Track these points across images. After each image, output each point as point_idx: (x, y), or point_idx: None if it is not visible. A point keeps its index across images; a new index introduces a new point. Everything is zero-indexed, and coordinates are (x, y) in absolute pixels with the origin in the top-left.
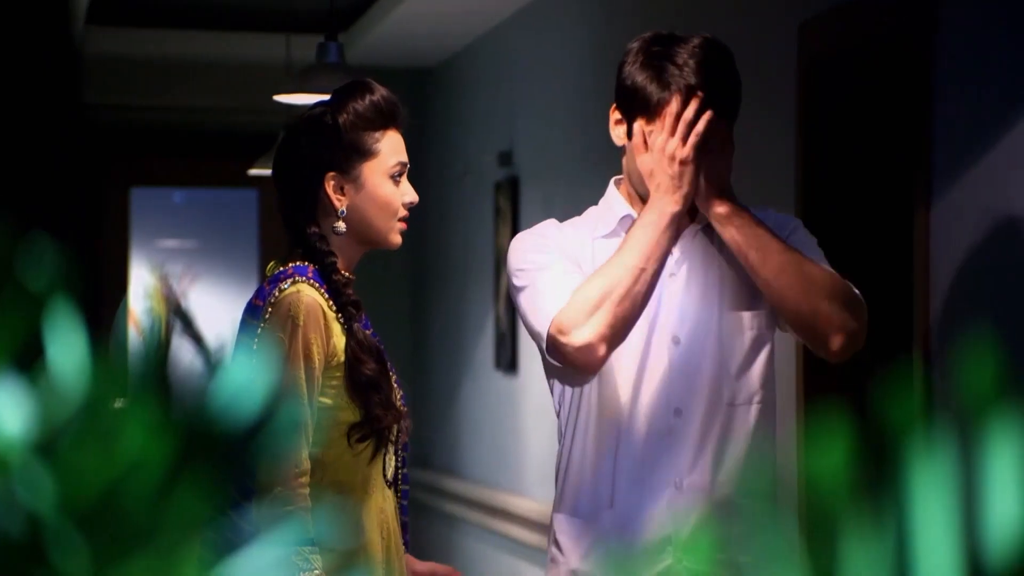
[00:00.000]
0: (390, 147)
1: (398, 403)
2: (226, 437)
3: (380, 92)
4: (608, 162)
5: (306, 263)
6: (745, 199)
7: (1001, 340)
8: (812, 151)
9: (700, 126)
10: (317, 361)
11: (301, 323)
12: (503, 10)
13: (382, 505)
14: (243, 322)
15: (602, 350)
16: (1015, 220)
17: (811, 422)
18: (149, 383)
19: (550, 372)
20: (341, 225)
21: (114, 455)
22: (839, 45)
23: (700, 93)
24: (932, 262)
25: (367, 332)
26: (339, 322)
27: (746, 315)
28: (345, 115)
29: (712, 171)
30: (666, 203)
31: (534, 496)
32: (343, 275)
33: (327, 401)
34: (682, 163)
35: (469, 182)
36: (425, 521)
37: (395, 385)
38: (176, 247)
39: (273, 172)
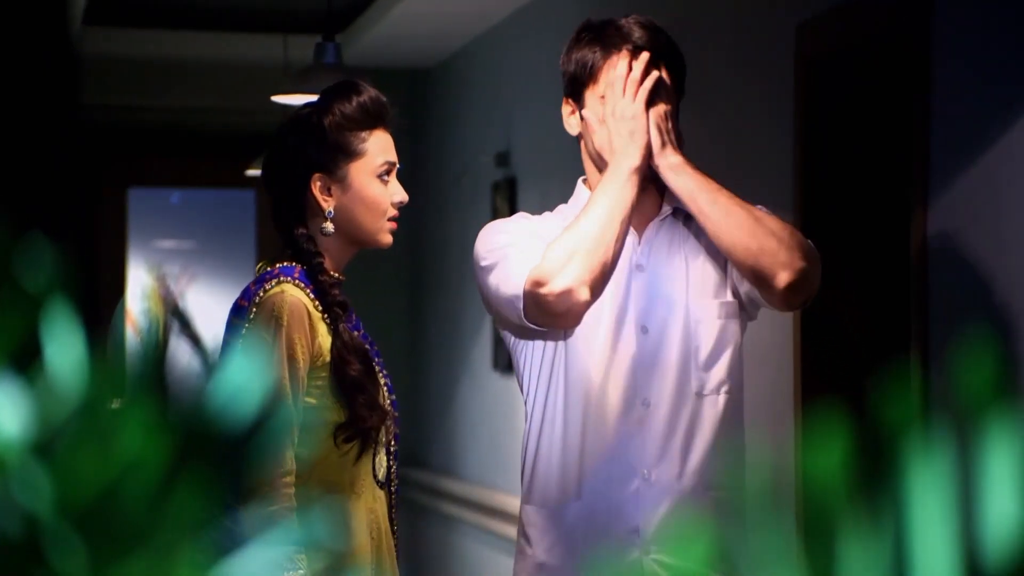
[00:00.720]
0: (377, 147)
1: (385, 404)
2: (223, 438)
3: (367, 92)
4: None
5: (293, 264)
6: (741, 197)
7: (998, 340)
8: (810, 151)
9: (648, 82)
10: (301, 361)
11: (285, 323)
12: (500, 11)
13: (372, 506)
14: (229, 322)
15: (584, 293)
16: (1012, 220)
17: (809, 422)
18: (146, 384)
19: (526, 334)
20: (329, 226)
21: (111, 456)
22: (837, 46)
23: (646, 52)
24: (930, 262)
25: (353, 333)
26: (325, 322)
27: (713, 303)
28: (331, 116)
29: (662, 124)
30: (623, 157)
31: None
32: (330, 276)
33: (312, 401)
34: (633, 118)
35: (467, 183)
36: (422, 522)
37: (383, 386)
38: (173, 248)
39: (262, 174)
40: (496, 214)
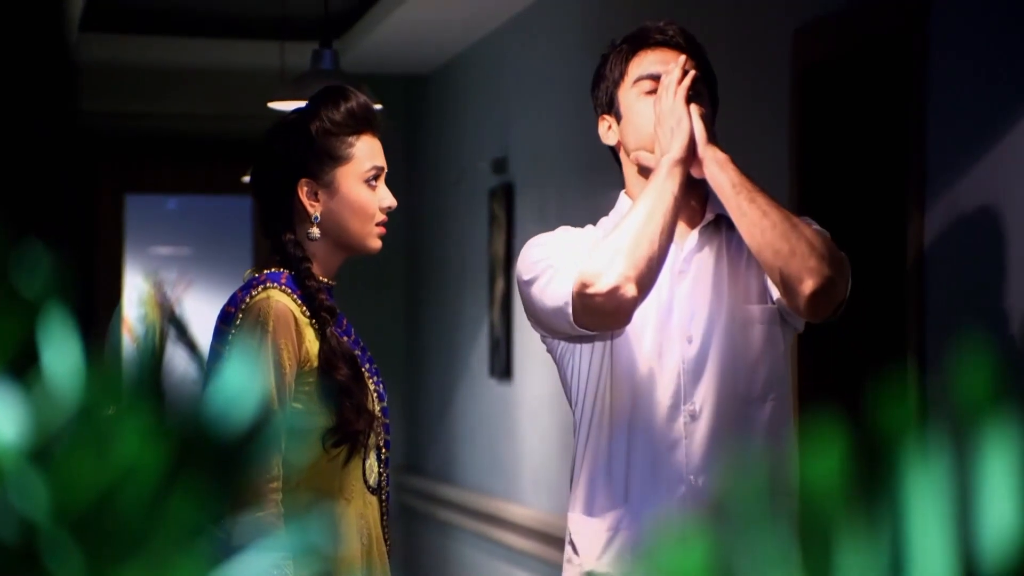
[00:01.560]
0: (365, 152)
1: (374, 409)
2: (218, 444)
3: (355, 97)
4: (602, 168)
5: (281, 269)
6: None
7: (995, 344)
8: (806, 157)
9: (687, 80)
10: (288, 367)
11: (271, 329)
12: (497, 17)
13: (363, 511)
14: (217, 329)
15: (631, 290)
16: (1008, 224)
17: (806, 427)
18: (143, 390)
19: (578, 339)
20: (315, 231)
21: (107, 462)
22: (833, 51)
23: (681, 54)
24: (926, 266)
25: (341, 338)
26: (313, 328)
27: (756, 309)
28: (318, 121)
29: (706, 120)
30: (666, 152)
31: (528, 503)
32: (318, 281)
33: (300, 406)
34: (674, 115)
35: (464, 189)
36: (420, 528)
37: (373, 391)
38: (170, 254)
39: (251, 180)
40: (493, 220)
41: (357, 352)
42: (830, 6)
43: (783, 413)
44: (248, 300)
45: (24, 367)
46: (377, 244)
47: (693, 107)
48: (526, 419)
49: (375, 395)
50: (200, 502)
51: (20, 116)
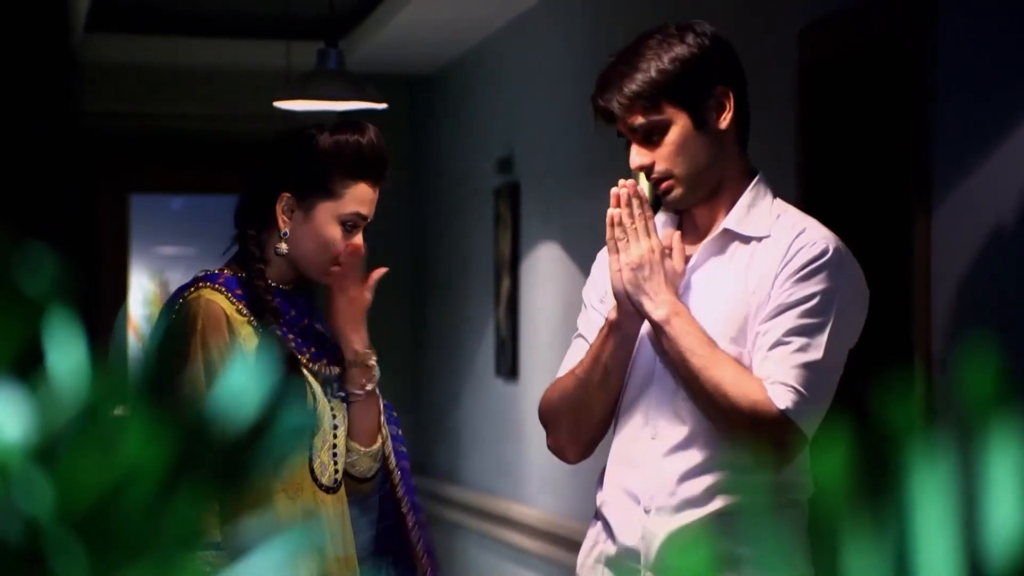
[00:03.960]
0: (355, 196)
1: (315, 407)
2: (223, 445)
3: (371, 139)
4: (608, 167)
5: (219, 271)
6: None
7: (1002, 345)
8: (812, 157)
9: (609, 230)
10: (218, 364)
11: (199, 328)
12: (502, 17)
13: (312, 510)
14: (155, 328)
15: (571, 455)
16: (1015, 225)
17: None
18: (148, 390)
19: None
20: (283, 246)
21: (112, 462)
22: (839, 51)
23: (620, 187)
24: (933, 267)
25: (284, 340)
26: (252, 326)
27: (731, 347)
28: (327, 148)
29: (645, 261)
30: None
31: (535, 503)
32: (267, 283)
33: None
34: (614, 271)
35: (469, 188)
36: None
37: (319, 391)
38: (175, 254)
39: (246, 175)
40: (498, 220)
41: (304, 355)
42: (835, 5)
43: None
44: (181, 301)
45: (29, 367)
46: (328, 281)
47: (625, 256)
48: (532, 419)
49: (321, 396)
50: (204, 504)
51: (22, 117)
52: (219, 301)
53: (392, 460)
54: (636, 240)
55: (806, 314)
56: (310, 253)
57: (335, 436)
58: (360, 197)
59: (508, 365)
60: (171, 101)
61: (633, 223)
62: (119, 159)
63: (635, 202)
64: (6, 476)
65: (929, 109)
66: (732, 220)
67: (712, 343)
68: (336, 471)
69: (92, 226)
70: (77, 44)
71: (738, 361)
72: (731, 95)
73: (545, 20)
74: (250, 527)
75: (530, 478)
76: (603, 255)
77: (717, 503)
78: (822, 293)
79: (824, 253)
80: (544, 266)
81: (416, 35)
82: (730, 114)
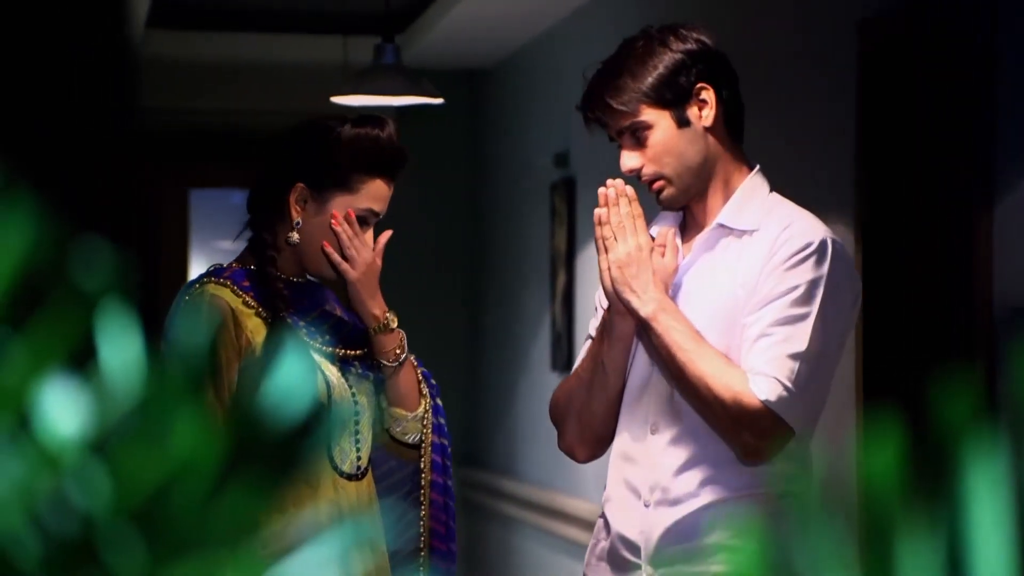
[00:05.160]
0: (371, 192)
1: (328, 396)
2: (277, 437)
3: (390, 135)
4: None
5: (226, 264)
6: (803, 199)
7: None
8: (872, 149)
9: (598, 228)
10: (224, 359)
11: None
12: (559, 10)
13: (334, 498)
14: (167, 324)
15: (580, 454)
16: None
17: (869, 424)
18: (203, 384)
19: None
20: (294, 236)
21: (166, 456)
22: (899, 43)
23: (608, 186)
24: (995, 262)
25: (295, 329)
26: (261, 316)
27: (720, 342)
28: (345, 142)
29: (629, 260)
30: (643, 308)
31: (591, 498)
32: (277, 272)
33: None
34: (635, 264)
35: (525, 183)
36: (482, 522)
37: (337, 379)
38: (235, 249)
39: (264, 160)
40: (555, 215)
41: (316, 341)
42: None
43: None
44: (188, 297)
45: (85, 362)
46: (332, 275)
47: (614, 254)
48: None
49: (340, 382)
50: (256, 498)
51: (81, 113)
52: (223, 295)
53: (428, 430)
54: (623, 238)
55: (790, 305)
56: (318, 246)
57: (357, 423)
58: (375, 193)
59: (564, 359)
60: (230, 97)
61: (620, 221)
62: (179, 155)
63: (623, 200)
64: (61, 470)
65: (991, 100)
66: (725, 214)
67: (699, 337)
68: (359, 458)
69: (153, 222)
70: (138, 41)
71: (726, 355)
72: (713, 93)
73: (601, 14)
74: (298, 522)
75: (586, 472)
76: None
77: (708, 495)
78: (806, 284)
79: (809, 245)
80: None
81: (473, 30)
82: (712, 111)
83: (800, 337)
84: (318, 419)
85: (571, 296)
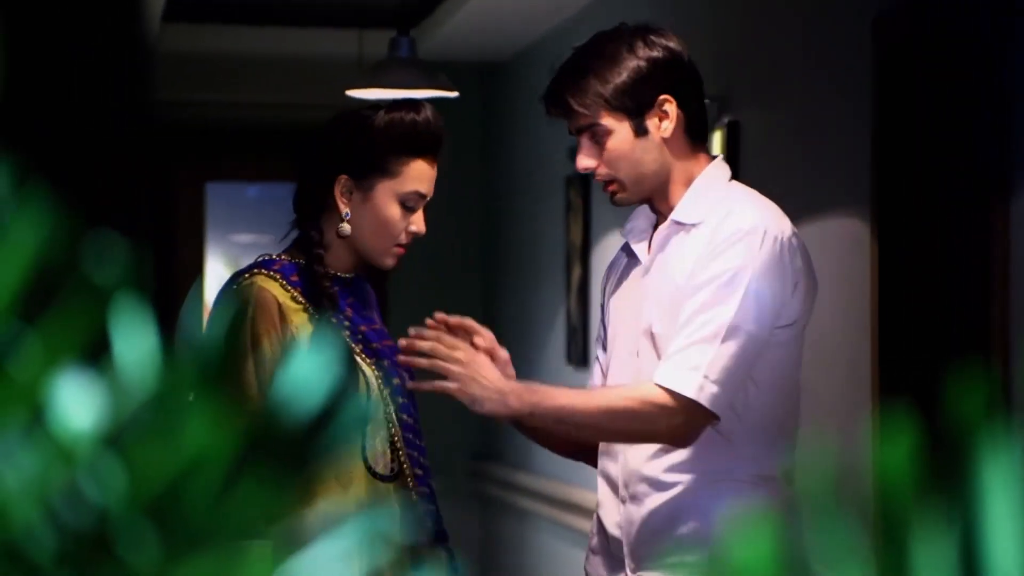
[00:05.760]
0: (414, 174)
1: (370, 397)
2: (291, 431)
3: (427, 119)
4: None
5: (277, 256)
6: (818, 196)
7: None
8: (887, 146)
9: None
10: (268, 352)
11: (250, 315)
12: (574, 4)
13: (364, 500)
14: (211, 313)
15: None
16: None
17: (884, 418)
18: (208, 378)
19: None
20: (346, 227)
21: (179, 449)
22: (914, 39)
23: (414, 333)
24: (1012, 258)
25: (340, 327)
26: (307, 313)
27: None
28: (383, 128)
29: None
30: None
31: None
32: (326, 270)
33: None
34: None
35: (540, 177)
36: (497, 516)
37: (376, 381)
38: (250, 242)
39: (299, 156)
40: (570, 208)
41: (356, 345)
42: None
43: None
44: (235, 287)
45: (99, 355)
46: (390, 263)
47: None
48: None
49: (379, 385)
50: (271, 492)
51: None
52: (272, 288)
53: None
54: (453, 361)
55: (714, 291)
56: (370, 235)
57: (391, 424)
58: (418, 175)
59: (579, 352)
60: (245, 90)
61: (438, 348)
62: (195, 148)
63: (440, 334)
64: (76, 464)
65: (1006, 98)
66: (678, 211)
67: (579, 399)
68: (393, 459)
69: (169, 215)
70: (154, 35)
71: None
72: (675, 105)
73: (615, 7)
74: (314, 515)
75: None
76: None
77: (678, 487)
78: (732, 270)
79: (739, 231)
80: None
81: (488, 23)
82: (673, 124)
83: (719, 322)
84: (333, 414)
85: (586, 290)
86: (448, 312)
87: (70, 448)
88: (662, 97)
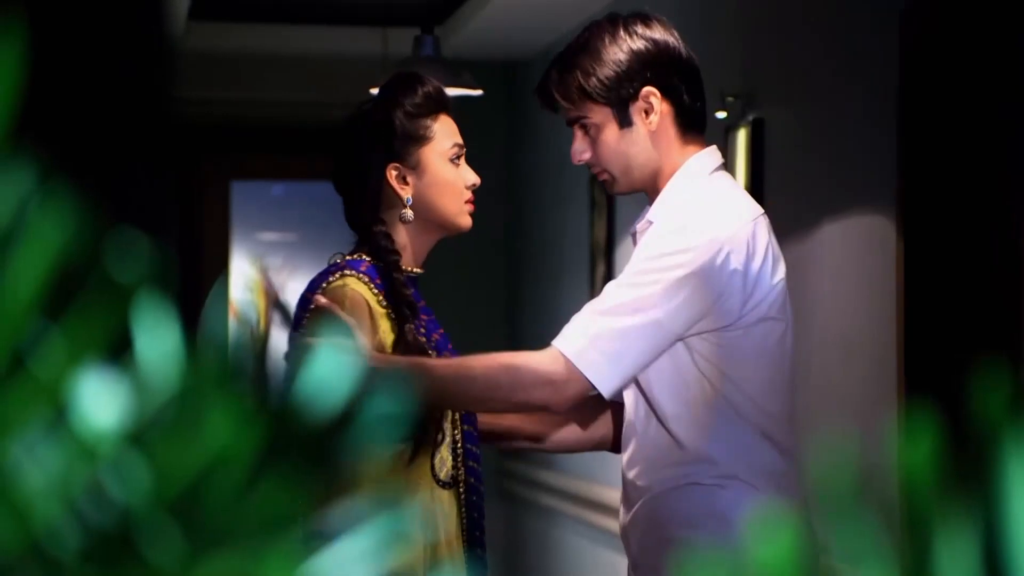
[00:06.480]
0: (444, 131)
1: None
2: (313, 429)
3: (429, 82)
4: None
5: (363, 258)
6: (844, 193)
7: None
8: (914, 142)
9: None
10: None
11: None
12: (597, 1)
13: (430, 507)
14: (296, 316)
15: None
16: None
17: (910, 417)
18: (245, 375)
19: None
20: (409, 212)
21: (202, 447)
22: (941, 32)
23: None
24: None
25: (419, 334)
26: (390, 319)
27: None
28: (398, 107)
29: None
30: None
31: None
32: (405, 273)
33: None
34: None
35: (565, 174)
36: (521, 514)
37: None
38: (276, 240)
39: (333, 173)
40: (594, 206)
41: (431, 349)
42: None
43: (692, 424)
44: (325, 286)
45: (122, 353)
46: (468, 222)
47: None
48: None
49: None
50: (293, 490)
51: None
52: (363, 292)
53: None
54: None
55: (630, 274)
56: (442, 202)
57: (456, 430)
58: (448, 129)
59: None
60: (270, 88)
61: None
62: (220, 146)
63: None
64: (99, 462)
65: None
66: (653, 209)
67: (451, 365)
68: (454, 465)
69: (195, 213)
70: (180, 33)
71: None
72: (661, 96)
73: (640, 4)
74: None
75: None
76: None
77: (651, 490)
78: (652, 259)
79: (673, 227)
80: None
81: (512, 21)
82: (659, 116)
83: (623, 300)
84: (356, 413)
85: None
86: (472, 310)
87: (93, 446)
88: (646, 90)
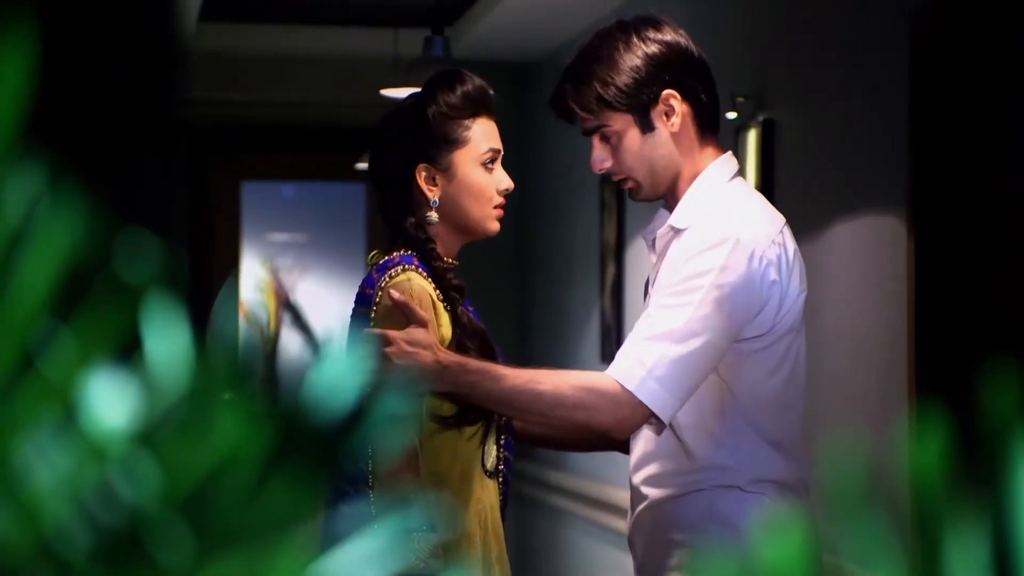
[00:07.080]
0: (481, 134)
1: None
2: (323, 430)
3: (471, 80)
4: None
5: (411, 252)
6: (854, 193)
7: None
8: (924, 142)
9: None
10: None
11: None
12: (607, 3)
13: (480, 495)
14: (355, 312)
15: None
16: None
17: (919, 417)
18: (256, 376)
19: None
20: (433, 215)
21: (212, 447)
22: (951, 33)
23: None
24: None
25: (472, 316)
26: (445, 309)
27: None
28: (435, 105)
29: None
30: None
31: None
32: (444, 261)
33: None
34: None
35: (575, 175)
36: (530, 514)
37: None
38: (287, 240)
39: (368, 167)
40: (604, 207)
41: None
42: None
43: (700, 429)
44: (388, 280)
45: (132, 353)
46: (495, 227)
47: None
48: None
49: None
50: (304, 490)
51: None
52: (425, 284)
53: None
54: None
55: (669, 295)
56: (469, 207)
57: (499, 421)
58: (486, 133)
59: (613, 351)
60: (281, 89)
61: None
62: (231, 147)
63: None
64: (108, 462)
65: None
66: (674, 216)
67: (520, 378)
68: (499, 456)
69: (206, 214)
70: (190, 34)
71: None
72: (680, 98)
73: (651, 5)
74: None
75: None
76: None
77: (653, 497)
78: (693, 276)
79: (709, 239)
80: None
81: (522, 22)
82: (680, 118)
83: (674, 324)
84: (363, 415)
85: (620, 288)
86: (483, 311)
87: (102, 446)
88: (666, 92)
